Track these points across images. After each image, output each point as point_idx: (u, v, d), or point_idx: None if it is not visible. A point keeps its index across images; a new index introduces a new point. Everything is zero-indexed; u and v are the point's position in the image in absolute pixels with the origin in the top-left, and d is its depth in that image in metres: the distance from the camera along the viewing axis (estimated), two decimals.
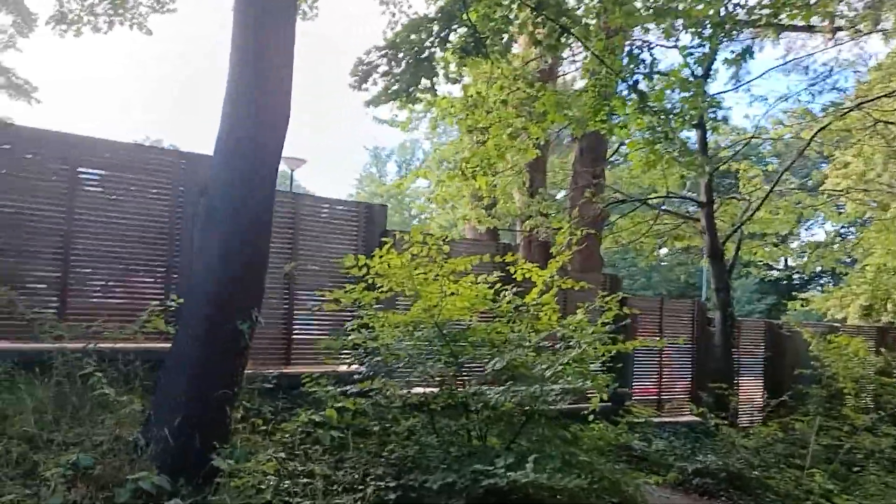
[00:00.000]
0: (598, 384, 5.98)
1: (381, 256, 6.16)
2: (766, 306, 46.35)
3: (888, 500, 9.11)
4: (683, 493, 8.52)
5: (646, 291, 50.25)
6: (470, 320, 6.63)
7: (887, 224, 16.24)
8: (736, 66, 15.89)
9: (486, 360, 6.05)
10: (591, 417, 8.04)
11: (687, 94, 8.75)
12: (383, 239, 6.99)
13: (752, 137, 13.84)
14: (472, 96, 9.05)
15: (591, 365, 6.80)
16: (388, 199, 40.32)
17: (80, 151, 7.40)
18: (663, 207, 14.29)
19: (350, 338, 6.46)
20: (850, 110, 13.17)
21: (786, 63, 16.08)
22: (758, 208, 13.53)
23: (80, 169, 7.77)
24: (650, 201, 14.22)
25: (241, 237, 5.24)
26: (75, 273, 7.44)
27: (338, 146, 77.18)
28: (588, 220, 15.34)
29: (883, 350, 15.72)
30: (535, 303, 6.48)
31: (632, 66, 8.48)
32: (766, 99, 15.02)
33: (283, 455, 5.43)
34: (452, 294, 6.19)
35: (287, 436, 5.56)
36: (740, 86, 14.38)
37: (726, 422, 11.49)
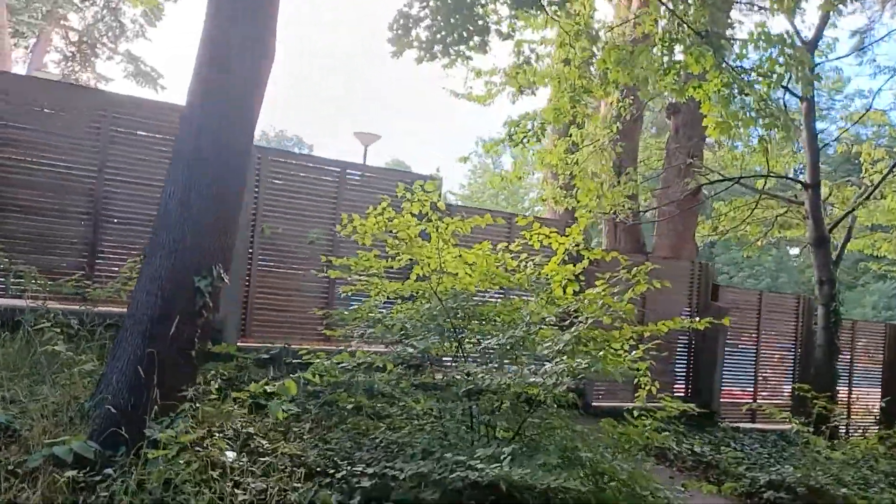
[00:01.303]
0: (611, 369, 5.03)
1: (376, 216, 5.49)
2: None
3: None
4: None
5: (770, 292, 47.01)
6: (485, 292, 5.85)
7: None
8: (859, 36, 14.17)
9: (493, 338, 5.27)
10: (635, 413, 7.02)
11: (773, 50, 7.52)
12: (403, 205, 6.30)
13: (862, 115, 12.00)
14: (523, 52, 8.20)
15: (627, 353, 5.83)
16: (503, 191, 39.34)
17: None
18: (768, 191, 12.71)
19: (347, 312, 5.84)
20: None
21: None
22: (871, 192, 11.77)
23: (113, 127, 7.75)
24: (749, 182, 12.70)
25: (204, 185, 4.73)
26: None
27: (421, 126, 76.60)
28: (678, 202, 14.06)
29: None
30: (554, 274, 5.58)
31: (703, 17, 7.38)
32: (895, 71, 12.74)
33: (244, 429, 4.90)
34: (461, 260, 5.44)
35: (239, 406, 5.02)
36: (857, 51, 12.48)
37: (821, 431, 10.08)
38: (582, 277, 5.87)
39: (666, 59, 7.59)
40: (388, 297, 6.04)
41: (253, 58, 4.96)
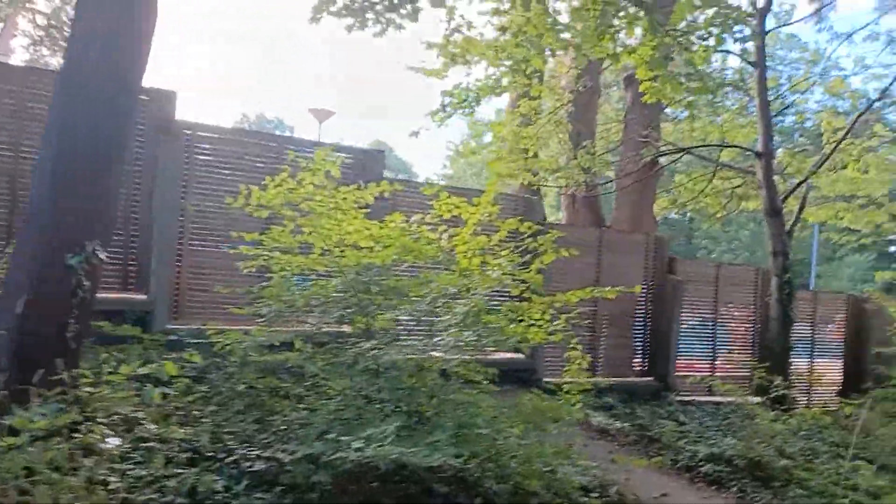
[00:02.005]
0: (503, 340, 4.81)
1: (275, 186, 5.21)
2: (884, 285, 42.32)
3: None
4: (689, 480, 7.22)
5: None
6: (413, 267, 5.57)
7: None
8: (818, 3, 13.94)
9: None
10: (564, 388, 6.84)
11: (710, 12, 7.27)
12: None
13: (818, 76, 11.79)
14: (453, 20, 7.89)
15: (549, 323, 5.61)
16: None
17: None
18: (727, 162, 12.50)
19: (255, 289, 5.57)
20: None
21: None
22: (824, 162, 11.60)
23: None
24: (703, 153, 12.49)
25: (76, 155, 4.44)
26: None
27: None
28: (634, 174, 13.85)
29: None
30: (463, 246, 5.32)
31: None
32: (851, 36, 12.53)
33: (133, 413, 4.64)
34: (368, 233, 5.17)
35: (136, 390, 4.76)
36: (813, 15, 12.25)
37: (778, 403, 9.96)
38: (499, 249, 5.60)
39: (599, 22, 7.30)
40: (308, 273, 5.79)
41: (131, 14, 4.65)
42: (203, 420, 5.10)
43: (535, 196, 14.25)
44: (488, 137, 15.76)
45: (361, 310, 5.11)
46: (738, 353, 12.88)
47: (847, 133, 11.49)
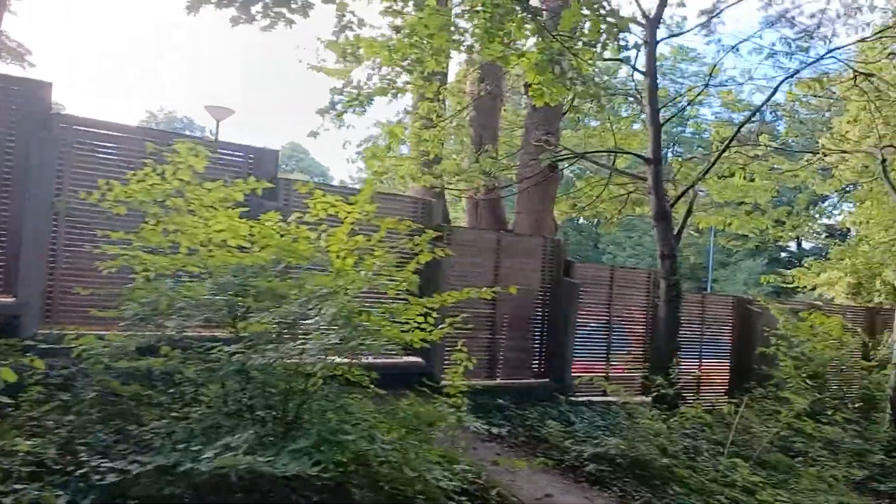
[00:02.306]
0: (374, 343, 4.71)
1: (138, 181, 4.93)
2: (773, 289, 44.70)
3: (822, 497, 7.83)
4: (573, 480, 7.30)
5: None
6: (297, 268, 5.37)
7: (874, 191, 14.67)
8: (707, 16, 14.50)
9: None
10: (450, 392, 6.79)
11: (595, 18, 7.39)
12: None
13: (704, 86, 12.26)
14: (344, 17, 7.74)
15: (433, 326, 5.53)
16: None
17: None
18: (616, 168, 12.85)
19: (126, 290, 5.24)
20: (820, 59, 11.64)
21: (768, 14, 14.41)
22: (708, 169, 12.10)
23: None
24: (601, 159, 12.80)
25: None
26: None
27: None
28: (534, 178, 14.05)
29: (859, 331, 14.31)
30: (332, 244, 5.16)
31: None
32: (738, 50, 13.08)
33: None
34: (236, 232, 4.95)
35: None
36: (701, 26, 12.72)
37: (667, 403, 10.27)
38: (380, 249, 5.46)
39: (489, 25, 7.31)
40: (182, 275, 5.50)
41: None
42: (56, 431, 4.76)
43: (439, 199, 14.30)
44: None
45: (231, 312, 4.90)
46: (632, 354, 13.23)
47: (729, 142, 12.00)
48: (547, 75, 7.22)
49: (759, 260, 47.65)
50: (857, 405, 14.09)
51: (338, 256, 4.98)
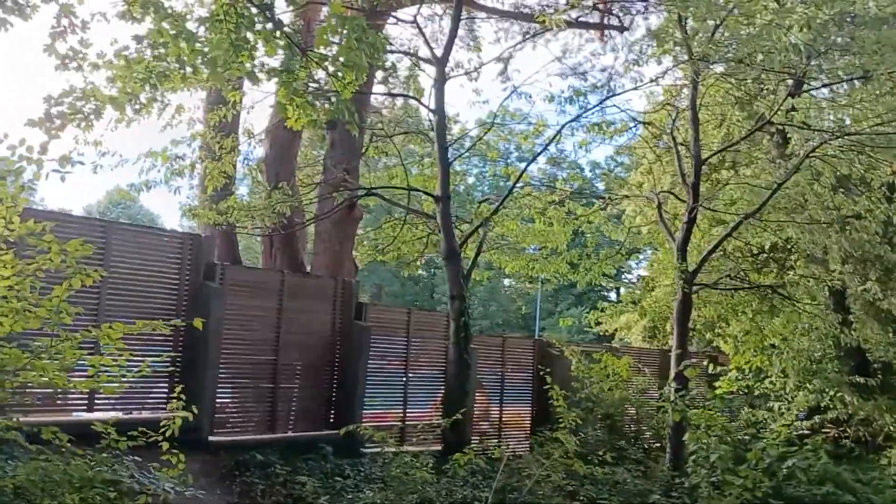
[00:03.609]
0: None
1: None
2: (595, 336, 46.80)
3: None
4: None
5: (483, 321, 49.48)
6: None
7: (661, 236, 15.41)
8: (503, 63, 14.82)
9: None
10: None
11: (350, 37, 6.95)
12: None
13: (490, 125, 12.40)
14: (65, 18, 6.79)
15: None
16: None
17: None
18: (410, 208, 12.53)
19: None
20: (600, 104, 12.07)
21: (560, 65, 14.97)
22: (497, 208, 12.10)
23: None
24: (394, 198, 12.45)
25: None
26: None
27: None
28: (331, 218, 13.45)
29: (646, 371, 14.81)
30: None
31: None
32: (531, 96, 13.40)
33: None
34: None
35: None
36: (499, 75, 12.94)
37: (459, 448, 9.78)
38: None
39: (234, 37, 6.67)
40: None
41: None
42: None
43: (226, 237, 13.30)
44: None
45: None
46: (434, 400, 12.75)
47: (516, 181, 12.14)
48: (298, 98, 6.64)
49: (581, 308, 49.70)
50: (654, 445, 14.50)
51: None
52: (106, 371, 8.35)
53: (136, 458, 5.53)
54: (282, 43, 6.99)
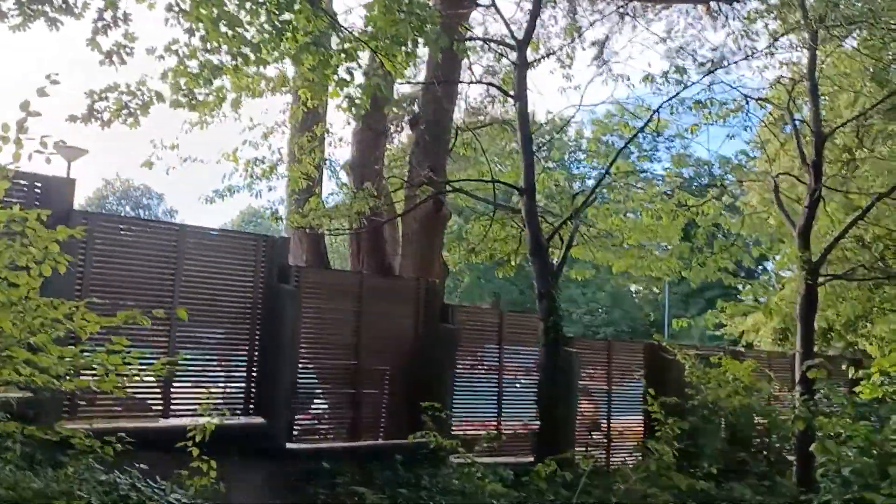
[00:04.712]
0: None
1: None
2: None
3: None
4: None
5: (607, 328, 47.60)
6: None
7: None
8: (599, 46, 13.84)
9: None
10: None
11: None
12: None
13: (577, 109, 11.38)
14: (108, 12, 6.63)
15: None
16: None
17: None
18: (498, 203, 11.78)
19: None
20: (701, 80, 10.79)
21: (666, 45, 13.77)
22: (586, 200, 11.07)
23: None
24: (472, 191, 11.77)
25: None
26: None
27: None
28: (421, 220, 12.96)
29: (772, 377, 13.20)
30: None
31: None
32: (629, 78, 12.35)
33: None
34: None
35: None
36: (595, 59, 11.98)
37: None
38: None
39: (275, 18, 6.28)
40: None
41: None
42: None
43: (312, 239, 13.08)
44: None
45: None
46: (527, 409, 11.90)
47: (609, 167, 11.08)
48: (329, 70, 6.15)
49: (713, 312, 46.75)
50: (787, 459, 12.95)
51: None
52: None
53: (142, 465, 5.14)
54: (325, 21, 6.49)
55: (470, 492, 6.85)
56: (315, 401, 10.12)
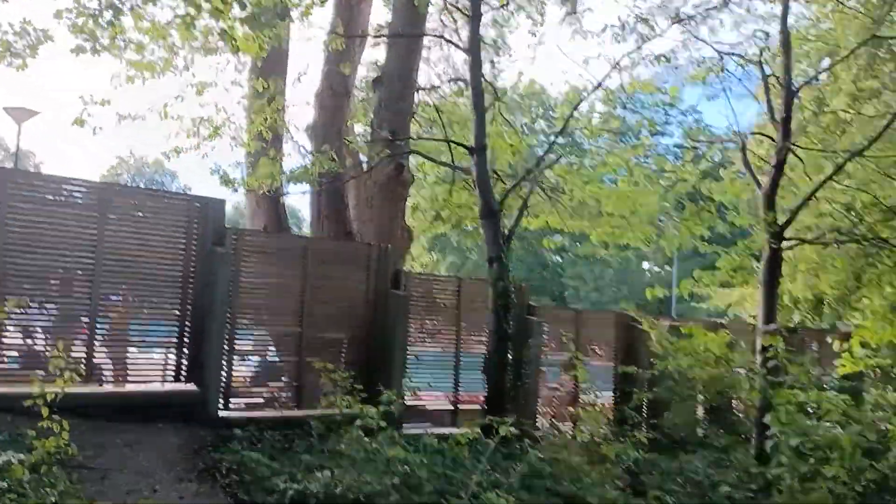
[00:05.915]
0: None
1: None
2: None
3: None
4: None
5: (613, 305, 46.92)
6: None
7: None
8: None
9: None
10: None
11: None
12: None
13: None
14: None
15: None
16: None
17: None
18: (457, 165, 11.22)
19: None
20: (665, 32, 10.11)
21: None
22: (539, 162, 10.51)
23: None
24: (425, 153, 11.25)
25: None
26: None
27: None
28: (381, 184, 12.51)
29: (744, 348, 12.60)
30: None
31: None
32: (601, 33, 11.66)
33: None
34: None
35: None
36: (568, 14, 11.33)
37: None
38: None
39: None
40: None
41: None
42: None
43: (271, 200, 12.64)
44: None
45: None
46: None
47: (567, 121, 10.49)
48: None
49: (684, 282, 45.79)
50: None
51: None
52: None
53: None
54: None
55: (360, 458, 6.44)
56: (253, 368, 9.74)
